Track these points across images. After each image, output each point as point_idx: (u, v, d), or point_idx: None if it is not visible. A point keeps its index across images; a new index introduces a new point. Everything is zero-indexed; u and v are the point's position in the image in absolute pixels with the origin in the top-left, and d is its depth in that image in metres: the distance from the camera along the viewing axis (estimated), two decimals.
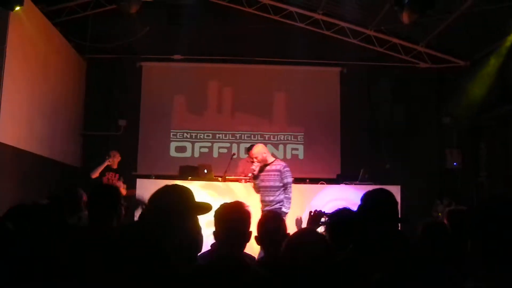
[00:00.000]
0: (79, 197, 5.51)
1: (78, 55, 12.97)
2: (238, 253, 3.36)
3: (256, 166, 8.90)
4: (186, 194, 3.12)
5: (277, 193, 8.66)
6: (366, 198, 3.88)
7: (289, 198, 8.67)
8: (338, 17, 13.20)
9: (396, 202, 3.95)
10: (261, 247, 4.40)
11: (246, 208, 3.45)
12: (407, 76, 13.67)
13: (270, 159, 8.97)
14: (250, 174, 9.11)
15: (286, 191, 8.69)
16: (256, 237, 4.12)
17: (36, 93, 10.40)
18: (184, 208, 3.04)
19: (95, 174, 10.27)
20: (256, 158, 8.96)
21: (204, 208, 3.11)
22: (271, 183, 8.71)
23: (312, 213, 4.66)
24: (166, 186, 3.15)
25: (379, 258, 3.29)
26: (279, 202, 8.60)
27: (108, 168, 10.48)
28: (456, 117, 13.05)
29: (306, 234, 3.42)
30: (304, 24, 13.37)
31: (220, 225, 3.37)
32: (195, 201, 3.12)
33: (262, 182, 8.79)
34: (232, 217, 3.37)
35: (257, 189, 8.91)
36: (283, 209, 8.43)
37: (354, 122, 13.63)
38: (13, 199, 8.07)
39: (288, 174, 8.79)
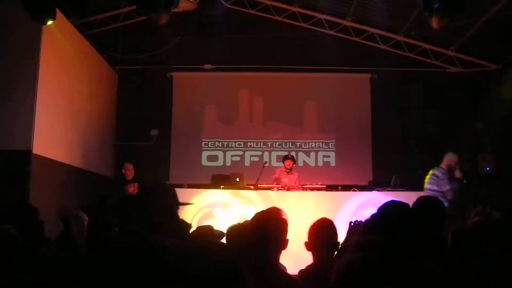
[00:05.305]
0: None
1: (109, 66, 13.12)
2: (272, 259, 3.38)
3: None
4: None
5: None
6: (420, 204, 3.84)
7: None
8: (367, 23, 13.18)
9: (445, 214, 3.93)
10: (312, 254, 4.35)
11: (283, 215, 3.48)
12: (438, 81, 13.57)
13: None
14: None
15: None
16: (306, 243, 4.13)
17: (69, 105, 10.53)
18: None
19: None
20: None
21: None
22: None
23: (352, 224, 4.59)
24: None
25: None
26: None
27: (128, 181, 10.06)
28: (489, 122, 12.91)
29: None
30: (333, 31, 13.37)
31: (256, 231, 3.40)
32: None
33: None
34: (268, 224, 3.41)
35: None
36: None
37: (386, 128, 13.54)
38: (49, 209, 8.16)
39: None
